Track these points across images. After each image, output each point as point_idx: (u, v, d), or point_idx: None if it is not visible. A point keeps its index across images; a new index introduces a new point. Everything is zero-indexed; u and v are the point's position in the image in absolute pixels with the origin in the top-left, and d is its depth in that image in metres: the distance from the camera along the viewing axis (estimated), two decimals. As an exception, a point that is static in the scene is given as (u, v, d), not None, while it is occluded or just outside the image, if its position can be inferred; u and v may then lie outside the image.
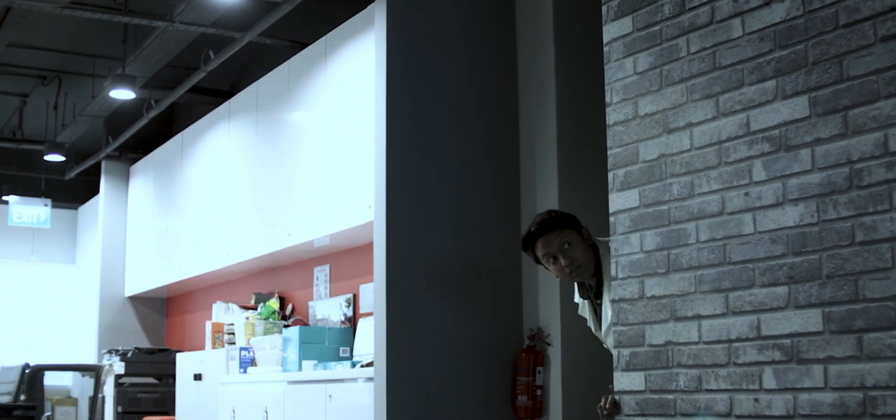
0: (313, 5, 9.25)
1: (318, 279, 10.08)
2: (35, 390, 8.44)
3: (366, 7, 8.36)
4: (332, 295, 9.81)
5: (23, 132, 14.71)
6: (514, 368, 7.07)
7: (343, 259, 9.72)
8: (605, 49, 5.48)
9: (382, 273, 6.88)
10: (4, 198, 16.11)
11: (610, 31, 5.48)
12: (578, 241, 5.38)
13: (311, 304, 10.07)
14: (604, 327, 5.44)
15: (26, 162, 15.66)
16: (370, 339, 7.69)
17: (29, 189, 16.27)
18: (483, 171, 7.27)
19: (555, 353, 6.89)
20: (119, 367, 12.02)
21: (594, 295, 5.50)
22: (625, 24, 5.40)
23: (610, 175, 5.33)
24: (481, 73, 7.37)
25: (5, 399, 8.31)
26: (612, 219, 5.28)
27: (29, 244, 16.91)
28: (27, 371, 8.41)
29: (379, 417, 6.78)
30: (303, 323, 9.75)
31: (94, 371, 10.60)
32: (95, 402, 10.18)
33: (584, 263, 5.38)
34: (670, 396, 4.89)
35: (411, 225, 6.99)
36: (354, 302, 9.35)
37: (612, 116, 5.39)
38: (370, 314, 8.32)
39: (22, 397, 8.18)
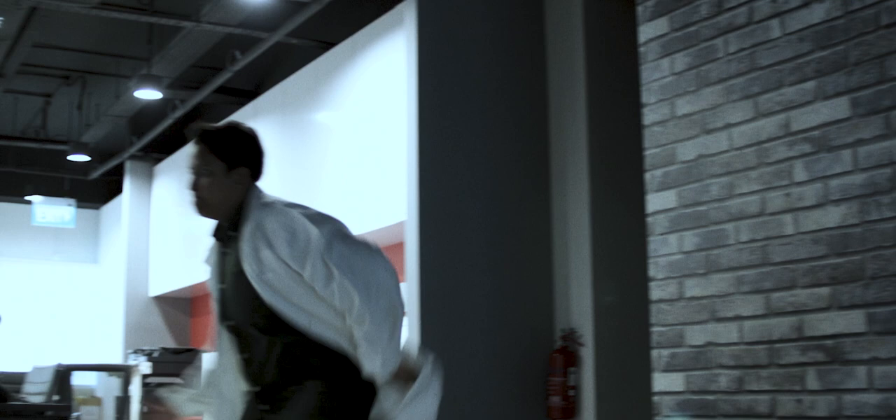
0: (340, 6, 9.23)
1: (345, 279, 10.06)
2: (65, 390, 8.48)
3: (393, 7, 8.36)
4: (360, 295, 9.78)
5: (46, 132, 14.73)
6: (546, 369, 7.06)
7: (372, 259, 9.70)
8: (641, 49, 5.48)
9: (415, 274, 6.88)
10: (28, 198, 16.14)
11: (646, 32, 5.48)
12: (223, 179, 4.17)
13: (338, 303, 10.05)
14: (219, 286, 4.23)
15: (50, 162, 15.68)
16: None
17: (52, 189, 16.29)
18: (514, 172, 7.27)
19: (587, 354, 6.88)
20: (145, 367, 12.05)
21: (224, 241, 4.24)
22: (661, 25, 5.39)
23: (647, 175, 5.32)
24: (512, 73, 7.37)
25: (38, 399, 8.34)
26: (650, 219, 5.27)
27: (52, 244, 16.95)
28: (59, 371, 8.44)
29: (412, 418, 6.77)
30: (330, 322, 9.72)
31: (124, 371, 10.64)
32: (125, 403, 10.21)
33: (214, 203, 4.17)
34: (711, 397, 4.88)
35: (443, 226, 6.99)
36: (384, 302, 9.32)
37: (648, 117, 5.38)
38: (401, 314, 8.32)
39: (55, 397, 8.22)
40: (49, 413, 8.23)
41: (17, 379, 9.54)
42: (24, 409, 8.30)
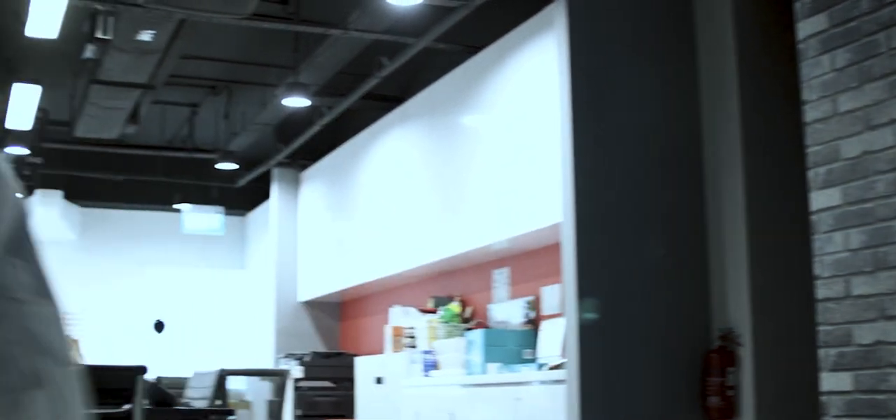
0: (488, 10, 9.26)
1: (497, 282, 10.11)
2: (223, 394, 8.65)
3: (542, 10, 8.38)
4: (512, 297, 9.82)
5: (194, 141, 15.01)
6: (704, 369, 7.03)
7: (522, 261, 9.71)
8: (800, 46, 5.44)
9: (572, 275, 6.89)
10: (177, 206, 16.46)
11: (804, 28, 5.44)
12: None
13: (490, 306, 10.10)
14: None
15: (197, 171, 15.95)
16: (554, 341, 7.71)
17: (200, 197, 16.58)
18: (668, 171, 7.25)
19: (746, 354, 6.83)
20: (297, 371, 12.23)
21: None
22: (820, 21, 5.35)
23: (810, 173, 5.28)
24: (662, 71, 7.35)
25: (200, 403, 8.52)
26: (813, 217, 5.23)
27: (200, 250, 17.25)
28: (222, 375, 8.61)
29: (571, 419, 6.80)
30: (483, 326, 9.77)
31: (280, 376, 10.82)
32: (279, 407, 10.38)
33: None
34: (881, 397, 4.83)
35: (599, 227, 7.00)
36: (536, 304, 9.33)
37: (809, 114, 5.34)
38: (553, 316, 8.34)
39: (217, 402, 8.39)
40: (213, 417, 8.42)
41: (179, 384, 9.77)
42: (191, 414, 8.52)
